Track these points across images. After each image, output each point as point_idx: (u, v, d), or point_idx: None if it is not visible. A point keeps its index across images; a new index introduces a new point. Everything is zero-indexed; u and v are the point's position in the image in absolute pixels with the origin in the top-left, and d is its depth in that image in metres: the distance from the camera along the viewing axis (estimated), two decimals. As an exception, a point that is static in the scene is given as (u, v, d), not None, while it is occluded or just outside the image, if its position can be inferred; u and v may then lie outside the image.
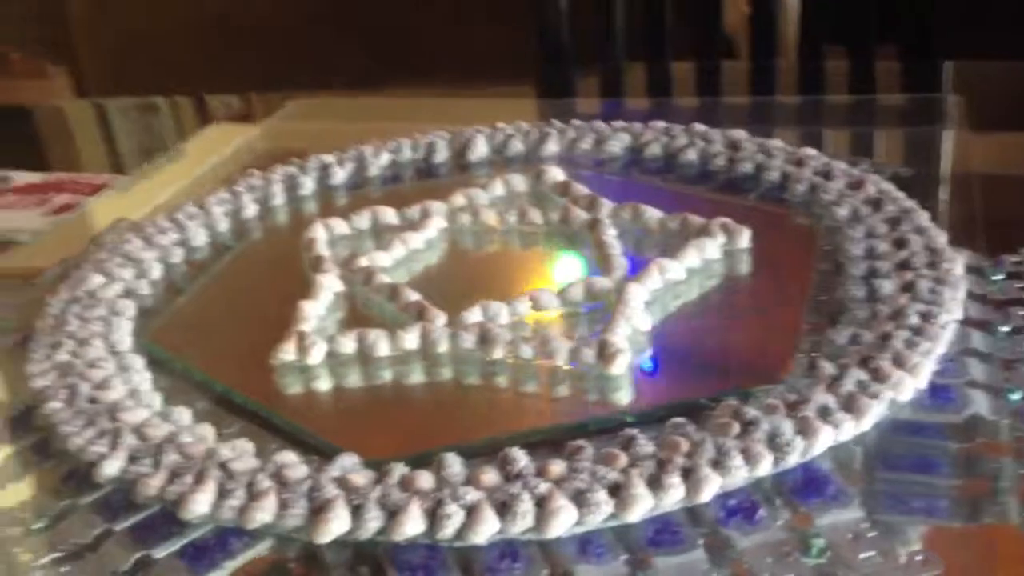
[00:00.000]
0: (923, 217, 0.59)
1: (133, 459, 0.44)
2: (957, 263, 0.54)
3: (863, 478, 0.43)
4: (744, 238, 0.59)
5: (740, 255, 0.60)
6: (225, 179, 0.75)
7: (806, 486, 0.42)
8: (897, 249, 0.56)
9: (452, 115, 0.89)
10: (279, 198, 0.71)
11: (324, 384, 0.52)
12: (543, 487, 0.40)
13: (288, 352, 0.52)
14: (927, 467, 0.43)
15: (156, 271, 0.62)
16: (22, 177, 0.95)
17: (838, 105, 1.00)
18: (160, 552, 0.41)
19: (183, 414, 0.47)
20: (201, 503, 0.41)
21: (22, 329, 0.58)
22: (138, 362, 0.52)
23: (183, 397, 0.50)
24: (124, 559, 0.41)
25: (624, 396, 0.49)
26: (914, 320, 0.49)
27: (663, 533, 0.40)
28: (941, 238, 0.56)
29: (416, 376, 0.52)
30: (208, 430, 0.46)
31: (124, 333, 0.55)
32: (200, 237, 0.66)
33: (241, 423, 0.49)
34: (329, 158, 0.75)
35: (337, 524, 0.40)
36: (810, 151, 0.69)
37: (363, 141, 0.77)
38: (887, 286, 0.52)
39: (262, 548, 0.41)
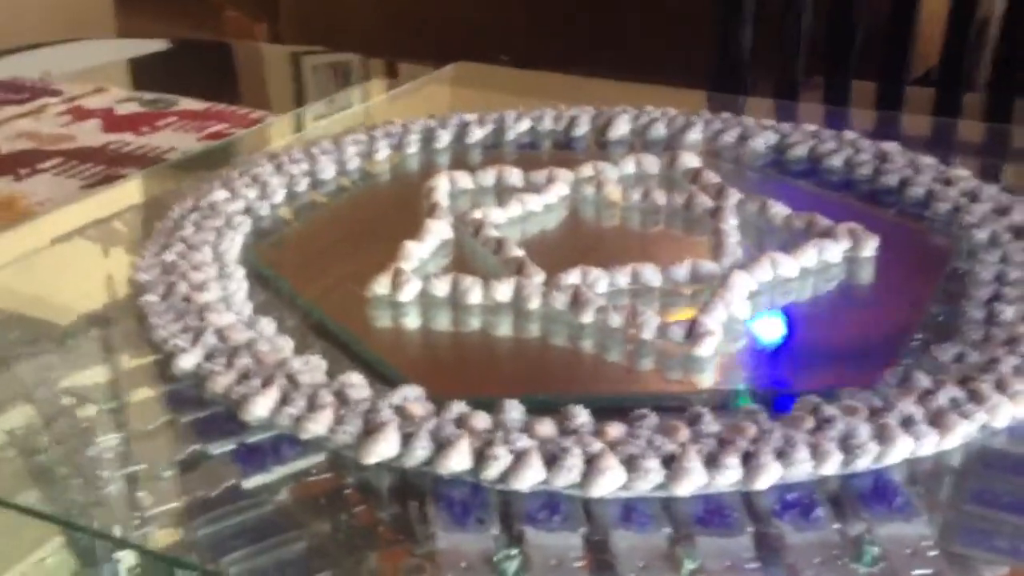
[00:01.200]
0: (1069, 251, 0.55)
1: (209, 357, 0.45)
2: (1094, 301, 0.50)
3: (943, 504, 0.40)
4: (870, 246, 0.57)
5: (863, 263, 0.57)
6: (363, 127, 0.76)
7: (873, 493, 0.39)
8: (1031, 278, 0.52)
9: (618, 101, 0.88)
10: (413, 147, 0.72)
11: (412, 322, 0.52)
12: (596, 446, 0.39)
13: (382, 285, 0.52)
14: (1016, 506, 0.40)
15: (279, 195, 0.63)
16: (187, 103, 1.00)
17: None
18: (215, 448, 0.42)
19: (268, 325, 0.48)
20: (261, 406, 0.42)
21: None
22: (239, 272, 0.53)
23: (275, 312, 0.51)
24: (179, 450, 0.42)
25: (707, 379, 0.48)
26: (1028, 348, 0.46)
27: (713, 513, 0.38)
28: (1082, 275, 0.52)
29: (503, 328, 0.51)
30: (287, 343, 0.47)
31: (234, 245, 0.57)
32: (329, 171, 0.67)
33: (324, 344, 0.49)
34: (470, 117, 0.75)
35: (385, 447, 0.39)
36: (961, 171, 0.65)
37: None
38: (1009, 312, 0.49)
39: (314, 461, 0.41)
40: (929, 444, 0.40)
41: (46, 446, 0.43)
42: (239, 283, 0.52)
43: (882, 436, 0.40)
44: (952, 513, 0.40)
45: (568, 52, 1.65)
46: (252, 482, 0.40)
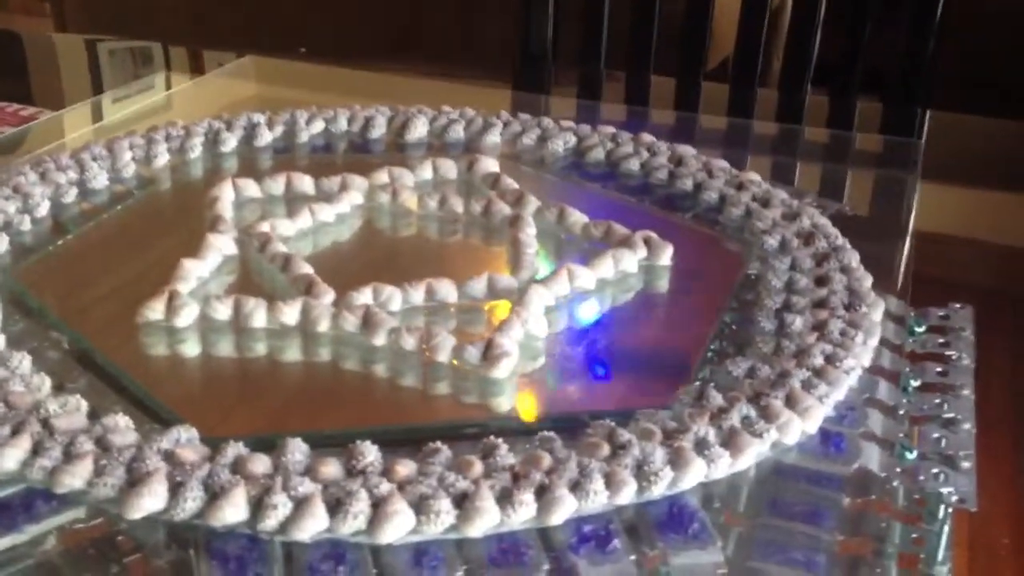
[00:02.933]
0: (853, 257, 0.56)
1: (-44, 401, 0.41)
2: (877, 308, 0.51)
3: (739, 519, 0.40)
4: (666, 255, 0.56)
5: (660, 271, 0.56)
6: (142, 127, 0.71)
7: (669, 521, 0.38)
8: (818, 286, 0.53)
9: (421, 98, 0.86)
10: (196, 151, 0.68)
11: (190, 349, 0.48)
12: (384, 487, 0.37)
13: (155, 311, 0.48)
14: (811, 517, 0.40)
15: (43, 208, 0.58)
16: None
17: (814, 138, 0.97)
18: (-41, 506, 0.37)
19: (23, 360, 0.44)
20: (9, 458, 0.38)
21: None
22: (-8, 301, 0.48)
23: (33, 343, 0.47)
24: (-82, 508, 0.37)
25: (504, 402, 0.46)
26: (817, 361, 0.46)
27: (508, 553, 0.37)
28: (867, 281, 0.53)
29: (291, 353, 0.49)
30: (44, 381, 0.43)
31: (-11, 268, 0.51)
32: (101, 179, 0.62)
33: (92, 379, 0.45)
34: (259, 117, 0.71)
35: (151, 501, 0.36)
36: (753, 175, 0.66)
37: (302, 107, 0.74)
38: (798, 322, 0.49)
39: (69, 517, 0.37)
40: (722, 466, 0.40)
41: None
42: (-9, 312, 0.47)
43: (677, 461, 0.39)
44: (746, 530, 0.39)
45: (371, 44, 1.61)
46: (2, 543, 0.36)
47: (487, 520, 0.36)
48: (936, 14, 1.04)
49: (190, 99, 0.84)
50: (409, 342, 0.47)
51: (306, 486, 0.37)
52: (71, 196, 0.60)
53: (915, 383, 0.48)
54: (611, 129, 0.73)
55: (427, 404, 0.46)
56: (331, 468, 0.38)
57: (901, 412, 0.46)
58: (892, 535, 0.40)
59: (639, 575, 0.36)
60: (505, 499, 0.37)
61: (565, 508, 0.37)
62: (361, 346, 0.48)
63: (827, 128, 1.04)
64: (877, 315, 0.50)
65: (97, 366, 0.46)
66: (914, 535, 0.40)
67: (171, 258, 0.54)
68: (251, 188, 0.62)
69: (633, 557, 0.37)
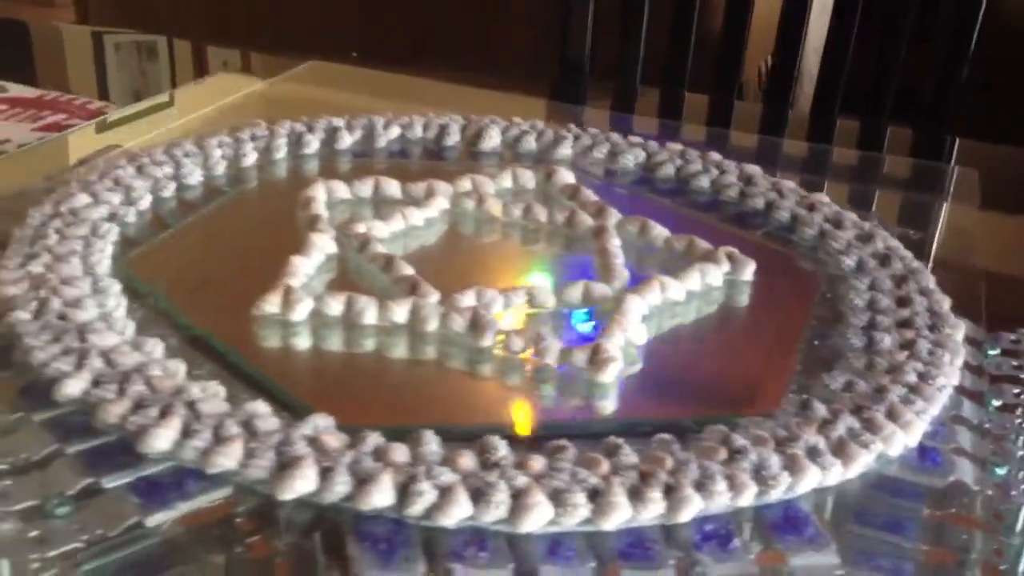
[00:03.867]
0: (929, 279, 0.58)
1: (97, 383, 0.42)
2: (958, 330, 0.53)
3: (835, 526, 0.42)
4: (749, 270, 0.58)
5: (741, 287, 0.58)
6: (226, 126, 0.73)
7: (785, 523, 0.40)
8: (900, 307, 0.55)
9: (462, 103, 0.88)
10: (281, 152, 0.69)
11: (303, 342, 0.50)
12: (521, 480, 0.39)
13: (272, 304, 0.50)
14: (899, 527, 0.42)
15: (145, 201, 0.60)
16: (16, 89, 0.93)
17: (843, 158, 0.99)
18: (110, 481, 0.39)
19: (155, 346, 0.45)
20: (163, 439, 0.39)
21: (-1, 236, 0.56)
22: (114, 287, 0.50)
23: (155, 330, 0.48)
24: (71, 482, 0.39)
25: (609, 405, 0.48)
26: (911, 378, 0.48)
27: (636, 547, 0.38)
28: (945, 303, 0.55)
29: (398, 351, 0.50)
30: (179, 367, 0.44)
31: (103, 256, 0.53)
32: (195, 176, 0.64)
33: (211, 366, 0.47)
34: (338, 121, 0.73)
35: (303, 483, 0.38)
36: (822, 197, 0.68)
37: (376, 112, 0.76)
38: (887, 340, 0.51)
39: (219, 495, 0.39)
40: (835, 474, 0.42)
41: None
42: (117, 299, 0.49)
43: (792, 467, 0.41)
44: (841, 535, 0.41)
45: (409, 49, 1.63)
46: (155, 519, 0.38)
47: (620, 515, 0.38)
48: (972, 41, 1.07)
49: (252, 107, 0.86)
50: (517, 344, 0.49)
51: (448, 475, 0.39)
52: (169, 191, 0.62)
53: (996, 403, 0.50)
54: (679, 146, 0.75)
55: (537, 404, 0.48)
56: (467, 460, 0.40)
57: (987, 428, 0.48)
58: (974, 546, 0.42)
59: (762, 573, 0.38)
60: (635, 496, 0.39)
61: (692, 507, 0.39)
62: (466, 346, 0.50)
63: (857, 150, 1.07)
64: (959, 336, 0.52)
65: (215, 353, 0.47)
66: (994, 546, 0.42)
67: (270, 253, 0.56)
68: (341, 190, 0.64)
69: (752, 556, 0.39)
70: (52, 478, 0.39)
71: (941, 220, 0.75)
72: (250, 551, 0.38)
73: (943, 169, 0.90)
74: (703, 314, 0.57)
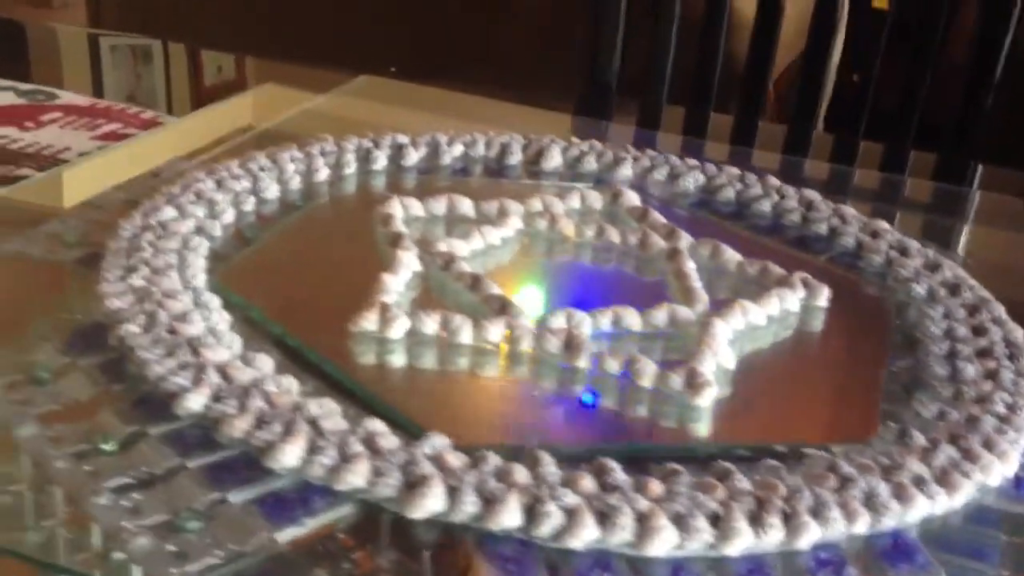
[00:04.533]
0: (999, 309, 0.59)
1: (217, 398, 0.43)
2: (1036, 360, 0.54)
3: (937, 555, 0.43)
4: (823, 296, 0.59)
5: (816, 312, 0.59)
6: (286, 141, 0.73)
7: (895, 552, 0.41)
8: (976, 335, 0.56)
9: (489, 117, 0.90)
10: (351, 168, 0.70)
11: (398, 360, 0.51)
12: (643, 503, 0.39)
13: (370, 321, 0.51)
14: (977, 553, 0.43)
15: (228, 215, 0.60)
16: (68, 96, 0.93)
17: (866, 179, 1.00)
18: (237, 496, 0.40)
19: (265, 362, 0.46)
20: (291, 455, 0.40)
21: (84, 246, 0.57)
22: (214, 301, 0.51)
23: (256, 345, 0.49)
24: (198, 497, 0.39)
25: (703, 428, 0.49)
26: (1000, 408, 0.49)
27: (756, 572, 0.39)
28: (1018, 332, 0.57)
29: (491, 369, 0.51)
30: (292, 383, 0.45)
31: (197, 269, 0.54)
32: (272, 190, 0.65)
33: (314, 381, 0.47)
34: (403, 138, 0.74)
35: (433, 502, 0.38)
36: (884, 224, 0.69)
37: (436, 128, 0.76)
38: (971, 370, 0.52)
39: (344, 511, 0.40)
40: (941, 503, 0.42)
41: (40, 491, 0.39)
42: (219, 313, 0.50)
43: (901, 495, 0.42)
44: (958, 571, 0.42)
45: (435, 63, 1.64)
46: (285, 535, 0.38)
47: (743, 540, 0.39)
48: (996, 70, 1.08)
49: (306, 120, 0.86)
50: (612, 365, 0.50)
51: (571, 497, 0.39)
52: (249, 205, 0.63)
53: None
54: (736, 170, 0.76)
55: (635, 426, 0.48)
56: (588, 482, 0.40)
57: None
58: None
59: (877, 600, 0.39)
60: (755, 521, 0.39)
61: (811, 533, 0.40)
62: (558, 366, 0.51)
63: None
64: (1037, 366, 0.53)
65: (314, 369, 0.48)
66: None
67: (353, 269, 0.57)
68: (416, 207, 0.64)
69: (867, 583, 0.39)
70: (179, 492, 0.40)
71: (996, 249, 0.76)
72: (356, 567, 0.39)
73: (963, 193, 0.92)
74: (780, 339, 0.57)
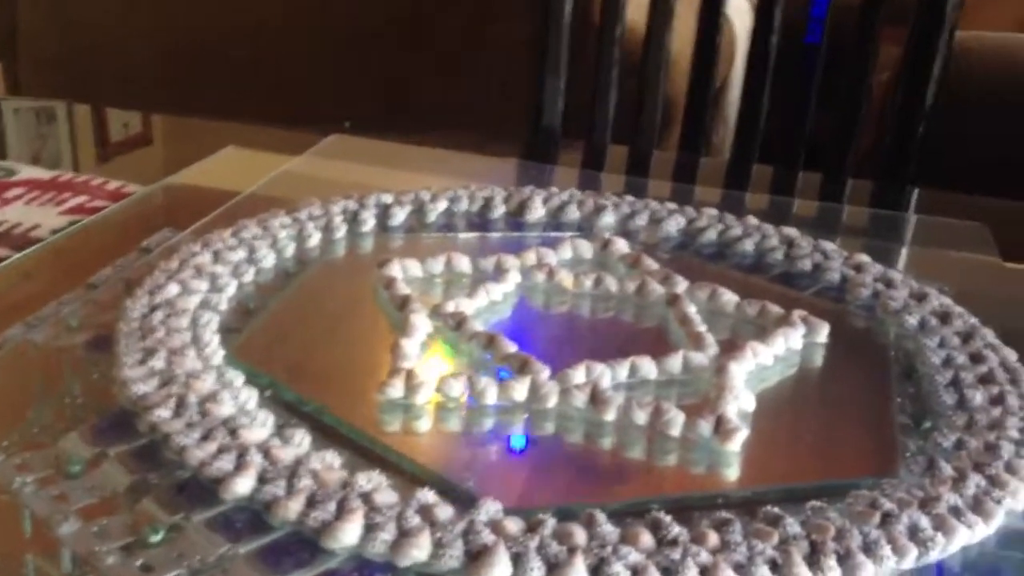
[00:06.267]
0: (989, 334, 0.61)
1: (263, 479, 0.42)
2: (1035, 383, 0.56)
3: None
4: (823, 333, 0.61)
5: (816, 349, 0.61)
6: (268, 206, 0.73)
7: (942, 583, 0.42)
8: (974, 363, 0.58)
9: (433, 168, 0.92)
10: (341, 231, 0.70)
11: (424, 425, 0.51)
12: (704, 556, 0.40)
13: (396, 388, 0.51)
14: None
15: (231, 287, 0.60)
16: (28, 171, 0.92)
17: (807, 210, 1.03)
18: (297, 580, 0.39)
19: (303, 438, 0.46)
20: (349, 533, 0.40)
21: (90, 329, 0.56)
22: (238, 378, 0.50)
23: (282, 419, 0.49)
24: (258, 583, 0.39)
25: (733, 472, 0.49)
26: (1014, 433, 0.51)
27: (816, 615, 0.40)
28: (1012, 356, 0.59)
29: (518, 428, 0.51)
30: (335, 458, 0.45)
31: (214, 347, 0.53)
32: (269, 259, 0.64)
33: (346, 452, 0.47)
34: (388, 197, 0.74)
35: (500, 569, 0.39)
36: (865, 257, 0.71)
37: (407, 183, 0.77)
38: (978, 397, 0.54)
39: (401, 588, 0.40)
40: (979, 531, 0.44)
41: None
42: (246, 391, 0.49)
43: (942, 527, 0.43)
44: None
45: (390, 116, 1.65)
46: (354, 617, 0.38)
47: (805, 584, 0.40)
48: (927, 99, 1.12)
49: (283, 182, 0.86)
50: (640, 417, 0.50)
51: (634, 555, 0.40)
52: (249, 275, 0.62)
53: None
54: (715, 211, 0.77)
55: (662, 476, 0.49)
56: (647, 538, 0.41)
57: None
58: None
59: (934, 634, 0.40)
60: (814, 565, 0.40)
61: (867, 573, 0.40)
62: (584, 420, 0.51)
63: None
64: (1037, 389, 0.55)
65: (339, 438, 0.48)
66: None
67: (364, 334, 0.57)
68: (414, 268, 0.65)
69: (922, 618, 0.41)
70: (239, 578, 0.39)
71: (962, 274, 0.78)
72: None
73: (901, 218, 0.95)
74: (787, 378, 0.59)
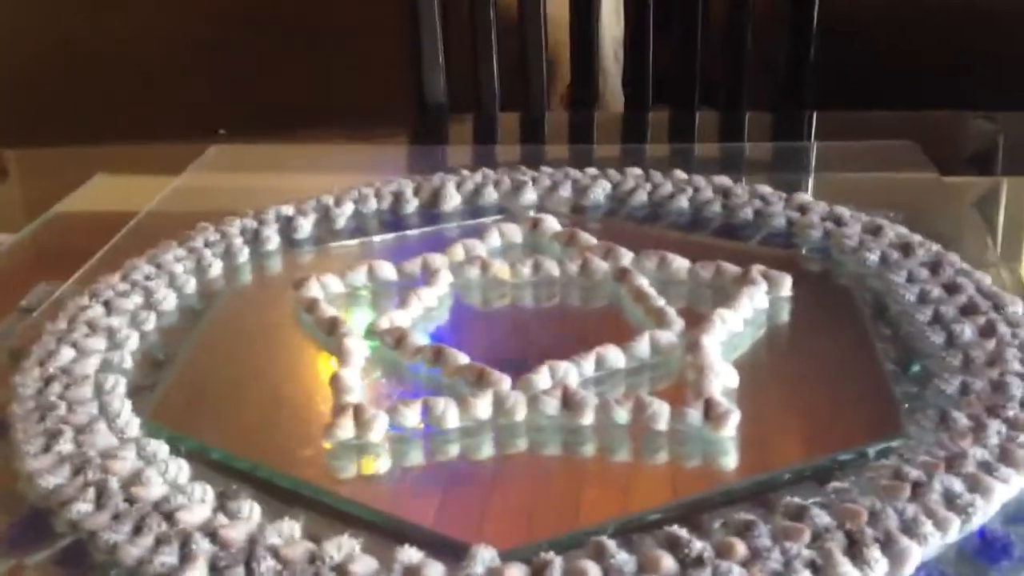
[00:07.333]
0: (956, 259, 0.57)
1: (216, 569, 0.36)
2: (1017, 303, 0.52)
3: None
4: (786, 285, 0.57)
5: (781, 303, 0.57)
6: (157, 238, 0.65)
7: (989, 550, 0.38)
8: (950, 293, 0.54)
9: (329, 164, 0.87)
10: (243, 255, 0.63)
11: (383, 464, 0.45)
12: (736, 571, 0.35)
13: (345, 429, 0.45)
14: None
15: (133, 341, 0.53)
16: None
17: (708, 153, 0.99)
18: None
19: (251, 508, 0.39)
20: (332, 620, 0.34)
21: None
22: (161, 449, 0.43)
23: (219, 485, 0.42)
24: None
25: (731, 461, 0.45)
26: (1017, 366, 0.47)
27: (867, 613, 0.35)
28: (986, 279, 0.55)
29: (486, 450, 0.46)
30: (294, 526, 0.39)
31: (126, 415, 0.46)
32: (169, 300, 0.57)
33: (305, 513, 0.41)
34: (288, 209, 0.68)
35: (515, 633, 0.33)
36: (807, 197, 0.67)
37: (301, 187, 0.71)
38: (967, 331, 0.50)
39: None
40: (1016, 484, 0.40)
41: None
42: (175, 463, 0.42)
43: (977, 487, 0.39)
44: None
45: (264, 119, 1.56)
46: None
47: (853, 582, 0.35)
48: (813, 22, 1.10)
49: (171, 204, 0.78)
50: (621, 415, 0.45)
51: (659, 585, 0.35)
52: (150, 323, 0.55)
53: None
54: (638, 170, 0.73)
55: (659, 478, 0.44)
56: (668, 561, 0.36)
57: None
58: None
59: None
60: (857, 559, 0.36)
61: (914, 557, 0.36)
62: (559, 428, 0.46)
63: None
64: (1020, 309, 0.52)
65: (281, 494, 0.42)
66: None
67: (292, 369, 0.51)
68: (335, 283, 0.58)
69: (977, 592, 0.36)
70: None
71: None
72: None
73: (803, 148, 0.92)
74: (758, 341, 0.54)
